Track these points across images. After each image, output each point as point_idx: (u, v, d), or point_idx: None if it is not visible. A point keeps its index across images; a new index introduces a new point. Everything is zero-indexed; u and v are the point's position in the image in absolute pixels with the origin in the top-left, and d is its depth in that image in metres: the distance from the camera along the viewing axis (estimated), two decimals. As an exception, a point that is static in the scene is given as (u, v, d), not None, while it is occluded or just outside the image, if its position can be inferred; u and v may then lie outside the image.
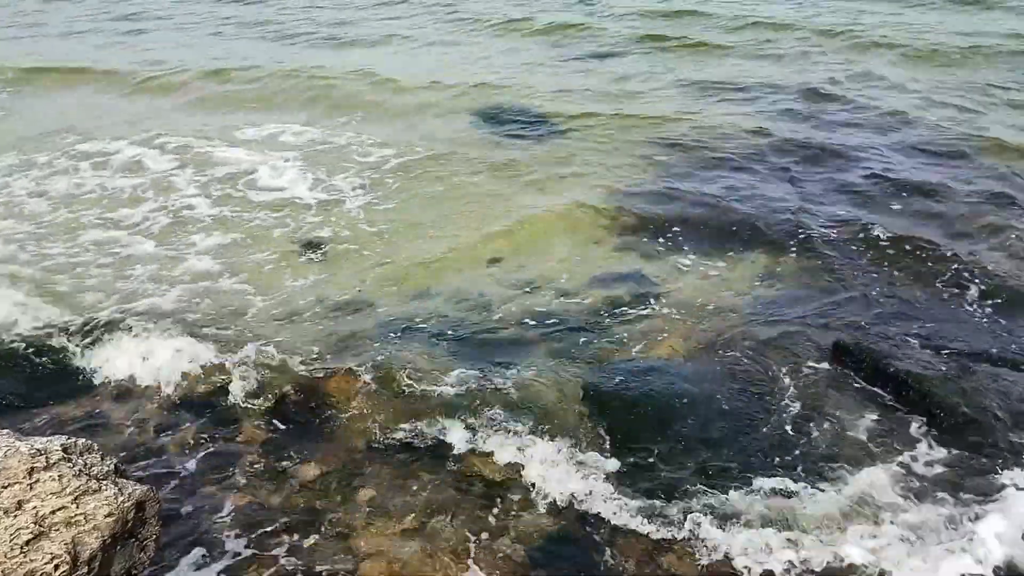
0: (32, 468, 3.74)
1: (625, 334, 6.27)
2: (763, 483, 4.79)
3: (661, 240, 7.84)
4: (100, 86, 15.29)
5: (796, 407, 5.40)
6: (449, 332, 6.36)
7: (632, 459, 5.04)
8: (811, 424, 5.25)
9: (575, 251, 7.72)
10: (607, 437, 5.22)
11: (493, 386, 5.66)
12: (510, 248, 7.77)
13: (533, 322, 6.48)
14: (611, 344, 6.13)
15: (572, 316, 6.56)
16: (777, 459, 5.00)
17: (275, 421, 5.48)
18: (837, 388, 5.57)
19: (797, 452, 5.03)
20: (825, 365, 5.77)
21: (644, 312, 6.56)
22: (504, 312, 6.64)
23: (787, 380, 5.64)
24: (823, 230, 7.79)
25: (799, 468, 4.91)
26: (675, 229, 8.04)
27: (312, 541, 4.54)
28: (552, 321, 6.49)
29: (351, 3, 23.64)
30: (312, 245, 7.99)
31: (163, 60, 16.82)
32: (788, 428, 5.23)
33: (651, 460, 5.04)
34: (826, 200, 8.59)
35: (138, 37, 20.21)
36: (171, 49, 18.14)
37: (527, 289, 6.98)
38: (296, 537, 4.55)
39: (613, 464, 4.99)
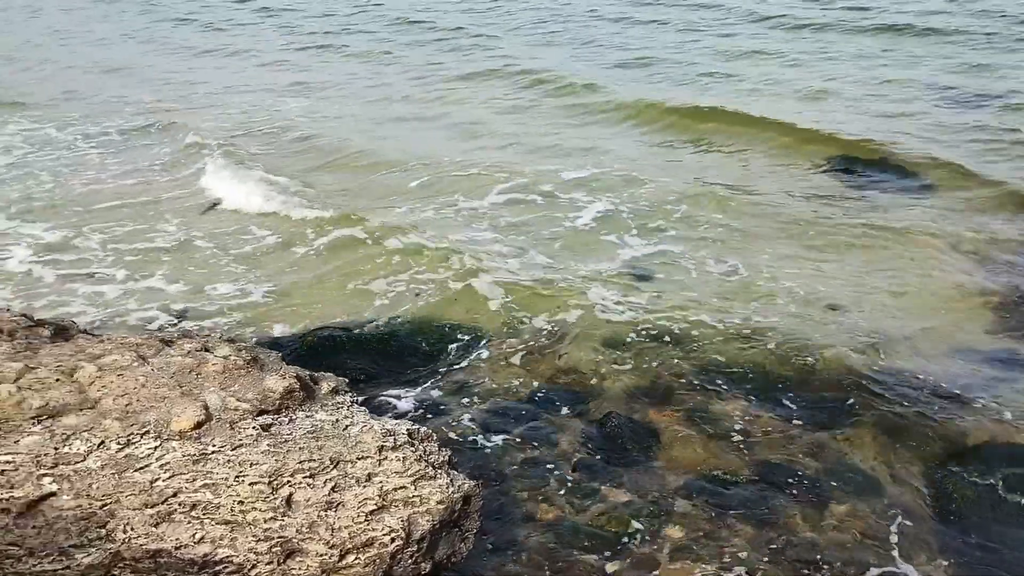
0: (382, 447, 4.08)
1: (982, 417, 5.59)
2: None
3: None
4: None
5: None
6: (774, 379, 6.12)
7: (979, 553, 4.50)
8: None
9: (930, 313, 7.03)
10: (954, 530, 4.72)
11: (815, 447, 5.34)
12: (852, 296, 7.27)
13: (869, 385, 5.97)
14: (965, 425, 5.49)
15: (919, 385, 5.98)
16: None
17: (590, 441, 5.55)
18: None
19: None
20: None
21: (1012, 398, 5.81)
22: (837, 367, 6.20)
23: None
24: None
25: None
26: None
27: (615, 568, 4.51)
28: (893, 387, 5.94)
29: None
30: (641, 278, 8.03)
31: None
32: None
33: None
34: None
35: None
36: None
37: (867, 347, 6.46)
38: (601, 560, 4.55)
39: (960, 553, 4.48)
